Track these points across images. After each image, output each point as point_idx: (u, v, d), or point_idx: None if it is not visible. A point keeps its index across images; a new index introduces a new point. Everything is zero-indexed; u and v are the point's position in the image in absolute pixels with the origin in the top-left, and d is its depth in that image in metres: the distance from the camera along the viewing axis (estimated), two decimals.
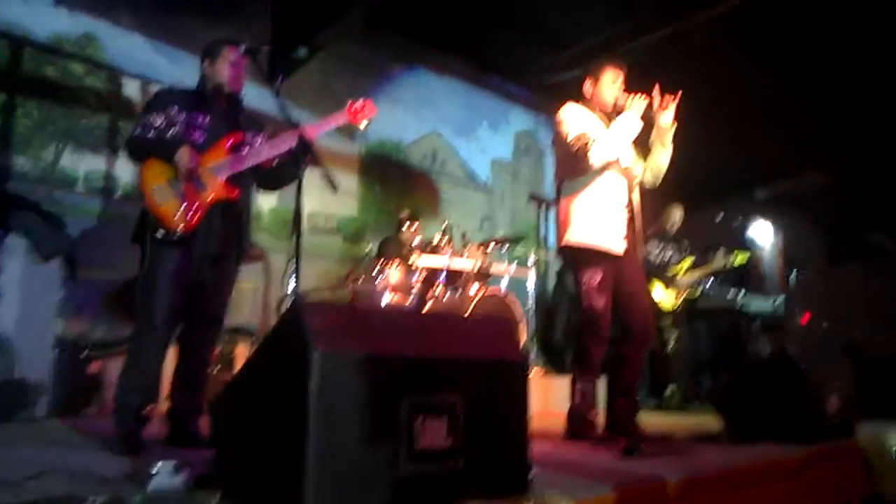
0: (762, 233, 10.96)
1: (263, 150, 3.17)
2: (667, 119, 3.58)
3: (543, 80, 8.34)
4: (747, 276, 8.24)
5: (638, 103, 3.50)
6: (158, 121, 3.09)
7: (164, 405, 3.23)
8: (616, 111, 3.61)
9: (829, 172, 9.92)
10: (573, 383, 3.53)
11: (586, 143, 3.41)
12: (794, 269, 6.55)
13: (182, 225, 2.96)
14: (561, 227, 3.61)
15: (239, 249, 3.26)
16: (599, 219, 3.49)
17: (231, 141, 3.17)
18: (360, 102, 3.34)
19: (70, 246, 4.46)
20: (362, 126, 3.41)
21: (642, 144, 3.72)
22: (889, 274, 10.29)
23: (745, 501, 2.62)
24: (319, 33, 6.33)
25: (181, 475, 2.02)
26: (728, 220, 6.73)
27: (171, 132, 3.09)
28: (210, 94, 3.25)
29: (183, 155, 2.97)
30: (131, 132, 3.16)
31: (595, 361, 3.50)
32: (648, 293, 3.72)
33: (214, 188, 3.07)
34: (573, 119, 3.55)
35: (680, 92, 3.57)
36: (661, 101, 3.55)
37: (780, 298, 6.88)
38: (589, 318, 3.46)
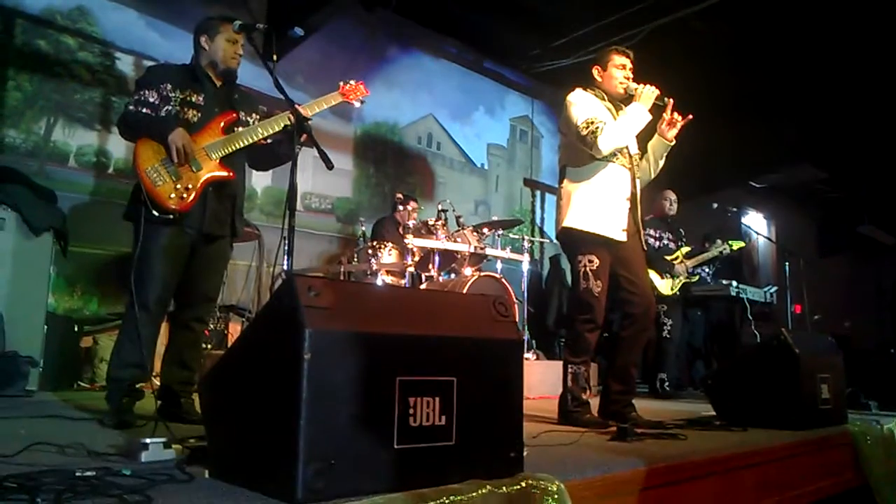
0: (756, 223, 11.00)
1: (258, 130, 3.15)
2: (670, 135, 3.59)
3: (538, 67, 8.35)
4: (741, 266, 8.27)
5: (648, 92, 3.44)
6: (152, 98, 3.06)
7: (156, 381, 3.23)
8: (624, 99, 3.57)
9: (822, 165, 9.96)
10: (565, 367, 3.51)
11: (595, 130, 3.35)
12: (787, 260, 6.56)
13: (177, 205, 2.95)
14: (561, 212, 3.55)
15: (232, 229, 3.26)
16: (601, 207, 3.44)
17: (225, 120, 3.16)
18: (352, 83, 3.40)
19: (62, 220, 4.43)
20: (356, 105, 3.47)
21: (642, 141, 3.70)
22: (880, 265, 10.35)
23: (734, 487, 2.62)
24: (316, 13, 6.28)
25: (171, 451, 2.02)
26: (723, 210, 6.73)
27: (164, 110, 3.06)
28: (204, 71, 3.21)
29: (177, 136, 2.94)
30: (124, 108, 3.12)
31: (588, 346, 3.48)
32: (649, 278, 3.71)
33: (209, 168, 3.05)
34: (581, 104, 3.48)
35: (690, 115, 3.55)
36: (671, 116, 3.55)
37: (773, 289, 6.90)
38: (583, 301, 3.43)
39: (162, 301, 3.05)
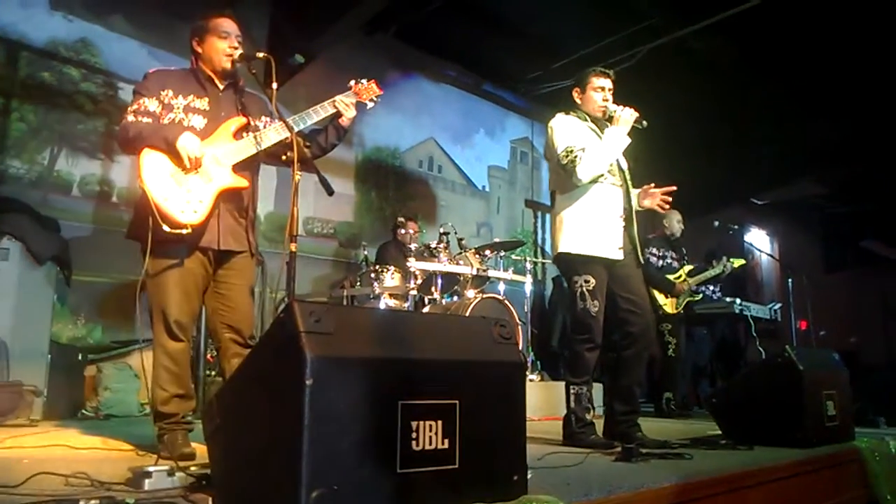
0: (759, 240, 10.99)
1: (272, 134, 2.93)
2: (645, 204, 3.65)
3: (537, 89, 8.39)
4: (745, 284, 8.25)
5: (626, 115, 3.45)
6: (152, 106, 2.84)
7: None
8: (607, 119, 3.57)
9: (825, 180, 9.96)
10: (567, 388, 3.50)
11: (574, 159, 3.35)
12: (790, 277, 6.54)
13: (189, 219, 2.71)
14: (555, 237, 3.57)
15: (250, 244, 2.99)
16: (594, 229, 3.45)
17: (235, 125, 2.93)
18: (363, 82, 3.30)
19: (65, 250, 4.45)
20: (369, 105, 3.31)
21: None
22: (885, 280, 10.31)
23: None
24: (316, 39, 6.32)
25: (175, 478, 2.02)
26: (725, 228, 6.71)
27: (167, 118, 2.84)
28: (206, 74, 2.99)
29: (187, 141, 2.72)
30: (122, 120, 2.87)
31: (588, 366, 3.46)
32: (648, 297, 3.70)
33: (222, 177, 2.82)
34: (561, 131, 3.49)
35: (675, 189, 3.60)
36: (655, 193, 3.61)
37: (778, 305, 6.88)
38: (581, 322, 3.43)
39: (184, 324, 2.82)
